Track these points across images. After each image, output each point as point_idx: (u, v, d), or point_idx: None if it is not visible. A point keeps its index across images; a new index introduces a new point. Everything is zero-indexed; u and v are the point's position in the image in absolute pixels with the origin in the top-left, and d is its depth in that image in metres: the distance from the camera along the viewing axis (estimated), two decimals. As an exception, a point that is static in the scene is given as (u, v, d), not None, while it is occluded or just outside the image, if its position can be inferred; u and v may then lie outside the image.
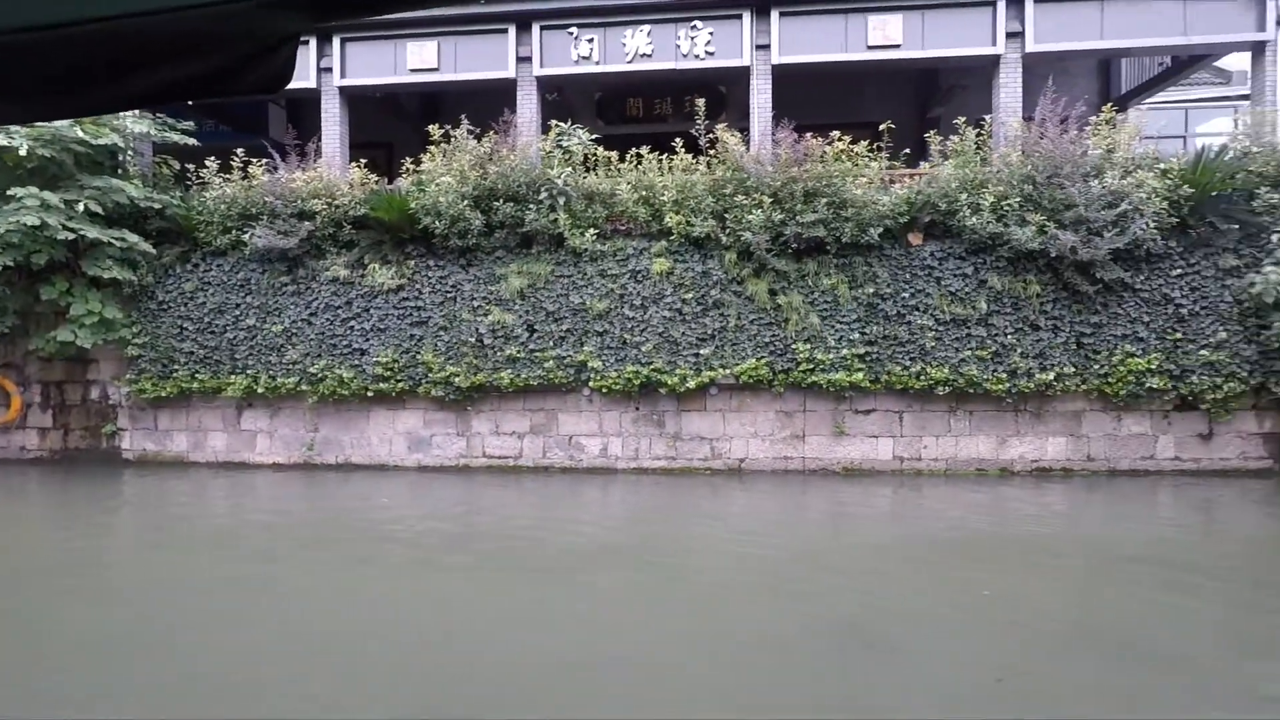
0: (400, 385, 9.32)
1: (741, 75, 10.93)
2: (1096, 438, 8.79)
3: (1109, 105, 9.59)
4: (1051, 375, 8.54)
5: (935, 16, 10.42)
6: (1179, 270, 8.49)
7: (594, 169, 9.57)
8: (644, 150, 9.43)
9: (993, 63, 10.36)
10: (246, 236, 9.44)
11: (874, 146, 9.04)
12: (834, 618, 4.86)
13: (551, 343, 9.16)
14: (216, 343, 9.70)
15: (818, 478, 8.92)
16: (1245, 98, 10.99)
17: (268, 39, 1.10)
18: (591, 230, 9.09)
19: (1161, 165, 8.51)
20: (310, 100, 11.61)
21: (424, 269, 9.42)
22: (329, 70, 11.16)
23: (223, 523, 7.74)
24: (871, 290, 8.79)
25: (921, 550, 6.41)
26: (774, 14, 10.57)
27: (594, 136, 9.86)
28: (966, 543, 6.67)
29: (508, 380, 9.14)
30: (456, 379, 9.15)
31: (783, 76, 10.78)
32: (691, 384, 8.92)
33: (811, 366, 8.79)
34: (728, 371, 8.94)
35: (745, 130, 10.55)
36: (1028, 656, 4.28)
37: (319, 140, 10.66)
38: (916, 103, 13.64)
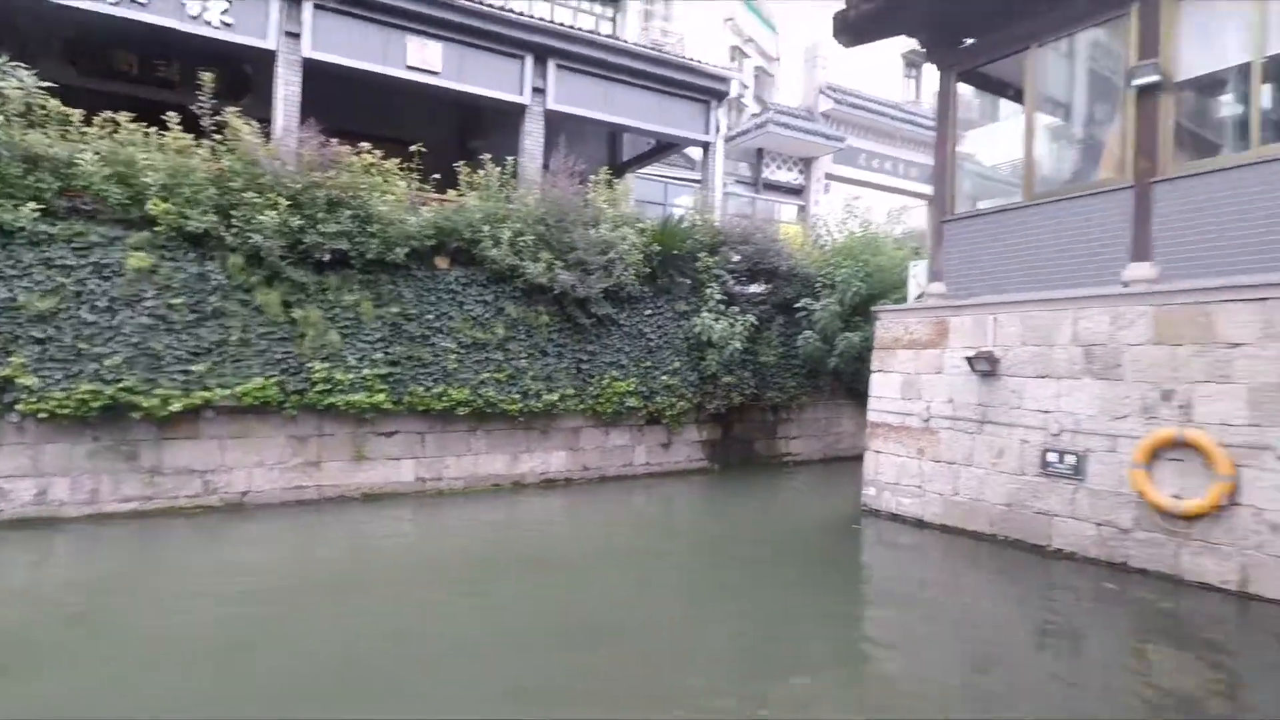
0: None
1: (271, 60, 9.84)
2: (590, 450, 10.23)
3: (608, 168, 11.37)
4: (557, 396, 9.64)
5: (474, 56, 10.99)
6: (650, 311, 10.50)
7: (44, 125, 7.42)
8: (124, 117, 7.70)
9: (521, 110, 11.38)
10: None
11: (406, 166, 9.00)
12: (336, 651, 4.50)
13: (-46, 350, 6.73)
14: None
15: (335, 505, 8.37)
16: (699, 182, 14.21)
17: None
18: (33, 204, 7.00)
19: (641, 225, 10.41)
20: None
21: None
22: None
23: None
24: (397, 310, 8.69)
25: (442, 568, 6.48)
26: (307, 3, 9.80)
27: (49, 84, 7.65)
28: (483, 556, 6.99)
29: None
30: None
31: (319, 74, 10.04)
32: (177, 406, 7.51)
33: (330, 387, 8.24)
34: (228, 392, 7.79)
35: (268, 121, 9.50)
36: (544, 657, 4.59)
37: None
38: (458, 132, 14.17)
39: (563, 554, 7.19)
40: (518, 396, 9.38)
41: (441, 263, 9.14)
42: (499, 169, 9.67)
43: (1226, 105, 7.34)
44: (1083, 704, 4.19)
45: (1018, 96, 8.34)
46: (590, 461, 10.23)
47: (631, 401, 10.22)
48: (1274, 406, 5.59)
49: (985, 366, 7.34)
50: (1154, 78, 6.71)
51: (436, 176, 9.57)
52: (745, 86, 20.05)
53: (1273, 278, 5.76)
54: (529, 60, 11.30)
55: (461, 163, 9.76)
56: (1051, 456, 6.91)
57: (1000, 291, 7.76)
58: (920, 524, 8.09)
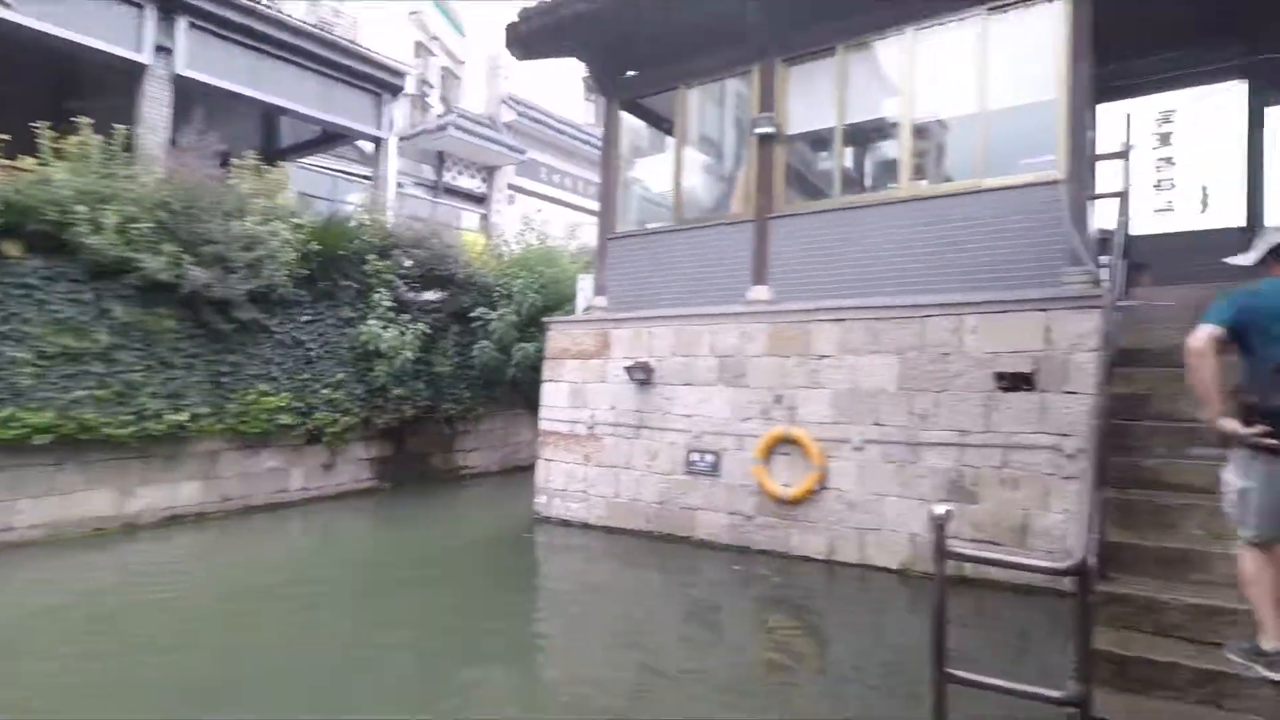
0: None
1: None
2: (231, 477, 8.80)
3: (260, 153, 9.96)
4: (186, 416, 8.10)
5: (70, -8, 8.81)
6: (308, 317, 9.42)
7: None
8: None
9: (140, 71, 9.44)
10: None
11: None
12: None
13: None
14: None
15: None
16: (372, 179, 13.27)
17: None
18: None
19: (297, 219, 9.29)
20: None
21: None
22: None
23: None
24: (-66, 309, 6.53)
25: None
26: None
27: None
28: (63, 617, 5.49)
29: None
30: None
31: None
32: None
33: None
34: None
35: None
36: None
37: None
38: (52, 89, 11.27)
39: (180, 604, 5.98)
40: (130, 418, 7.67)
41: (11, 249, 7.11)
42: (104, 138, 7.85)
43: (823, 159, 8.97)
44: (714, 662, 4.86)
45: (673, 130, 9.23)
46: (232, 490, 8.81)
47: (285, 419, 9.03)
48: (850, 407, 6.94)
49: (641, 375, 7.96)
50: (769, 129, 7.92)
51: (6, 138, 7.44)
52: (430, 85, 19.40)
53: (848, 302, 7.15)
54: (151, 11, 9.43)
55: (46, 124, 7.69)
56: (694, 456, 7.74)
57: (655, 306, 8.49)
58: (587, 527, 8.46)
